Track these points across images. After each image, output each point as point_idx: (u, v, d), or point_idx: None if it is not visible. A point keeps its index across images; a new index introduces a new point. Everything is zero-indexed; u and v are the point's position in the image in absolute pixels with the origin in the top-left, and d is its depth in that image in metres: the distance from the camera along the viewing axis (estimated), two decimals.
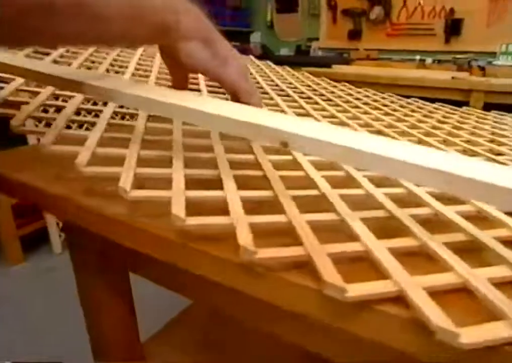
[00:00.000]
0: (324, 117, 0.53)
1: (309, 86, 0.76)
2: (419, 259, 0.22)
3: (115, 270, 0.48)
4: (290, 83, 0.75)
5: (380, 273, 0.20)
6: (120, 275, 0.50)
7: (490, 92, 1.58)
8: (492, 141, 0.50)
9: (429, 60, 2.04)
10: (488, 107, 1.61)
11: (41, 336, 1.12)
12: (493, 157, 0.43)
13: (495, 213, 0.27)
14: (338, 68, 1.97)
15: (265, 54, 2.54)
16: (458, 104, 1.68)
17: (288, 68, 0.97)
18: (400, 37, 2.14)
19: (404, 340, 0.18)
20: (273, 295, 0.21)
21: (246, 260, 0.20)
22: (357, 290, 0.18)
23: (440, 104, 0.78)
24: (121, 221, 0.28)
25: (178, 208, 0.23)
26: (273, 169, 0.32)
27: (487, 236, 0.24)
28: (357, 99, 0.69)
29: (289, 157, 0.35)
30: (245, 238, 0.21)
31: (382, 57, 2.19)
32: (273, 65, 0.96)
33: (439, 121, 0.59)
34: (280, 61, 2.38)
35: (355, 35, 2.25)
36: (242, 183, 0.29)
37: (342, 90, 0.77)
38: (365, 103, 0.66)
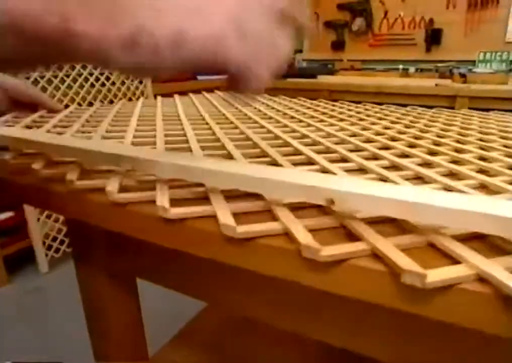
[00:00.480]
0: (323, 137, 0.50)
1: (291, 108, 0.74)
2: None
3: (122, 276, 0.46)
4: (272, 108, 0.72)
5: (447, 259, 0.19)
6: (127, 281, 0.47)
7: (473, 98, 1.62)
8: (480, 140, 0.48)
9: (411, 69, 2.09)
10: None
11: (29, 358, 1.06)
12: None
13: None
14: (323, 79, 2.00)
15: None
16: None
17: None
18: (382, 47, 2.19)
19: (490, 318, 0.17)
20: (341, 286, 0.21)
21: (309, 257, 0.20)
22: (436, 275, 0.17)
23: (412, 107, 0.76)
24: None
25: (226, 218, 0.24)
26: None
27: None
28: (342, 113, 0.67)
29: None
30: (305, 237, 0.21)
31: (366, 67, 2.24)
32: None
33: (426, 125, 0.57)
34: None
35: (338, 46, 2.29)
36: None
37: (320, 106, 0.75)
38: (350, 116, 0.63)
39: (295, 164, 0.36)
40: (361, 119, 0.58)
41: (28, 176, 0.34)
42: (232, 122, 0.55)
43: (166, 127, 0.50)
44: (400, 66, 2.10)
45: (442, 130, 0.52)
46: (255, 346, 0.62)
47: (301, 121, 0.57)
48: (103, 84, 1.51)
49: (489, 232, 0.20)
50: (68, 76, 1.39)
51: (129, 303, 0.47)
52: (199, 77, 2.26)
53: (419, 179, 0.33)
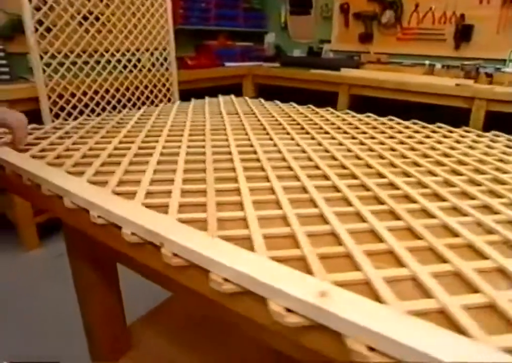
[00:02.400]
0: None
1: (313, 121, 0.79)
2: None
3: (104, 261, 0.56)
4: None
5: None
6: (108, 266, 0.58)
7: (492, 100, 1.59)
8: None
9: (438, 66, 2.05)
10: (490, 115, 1.64)
11: (54, 315, 1.22)
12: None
13: None
14: (346, 72, 2.01)
15: (278, 54, 2.60)
16: (462, 110, 1.72)
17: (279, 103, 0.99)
18: (410, 41, 2.15)
19: None
20: None
21: None
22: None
23: (438, 125, 0.80)
24: None
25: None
26: None
27: None
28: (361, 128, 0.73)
29: None
30: None
31: (392, 61, 2.22)
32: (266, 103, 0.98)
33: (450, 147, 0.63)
34: (291, 61, 2.44)
35: (366, 38, 2.28)
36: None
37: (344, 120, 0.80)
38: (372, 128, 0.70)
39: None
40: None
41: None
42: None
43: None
44: (427, 62, 2.07)
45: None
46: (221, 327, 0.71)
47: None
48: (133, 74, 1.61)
49: None
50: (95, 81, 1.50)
51: (110, 283, 0.57)
52: (227, 64, 2.33)
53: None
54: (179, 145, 0.58)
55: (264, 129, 0.69)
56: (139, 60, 1.64)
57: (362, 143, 0.64)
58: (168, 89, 1.79)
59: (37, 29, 1.29)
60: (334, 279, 0.29)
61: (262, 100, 1.05)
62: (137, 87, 1.65)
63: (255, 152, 0.56)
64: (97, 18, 1.46)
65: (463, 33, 1.98)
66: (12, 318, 1.21)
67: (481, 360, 0.22)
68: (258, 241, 0.34)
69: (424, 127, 0.77)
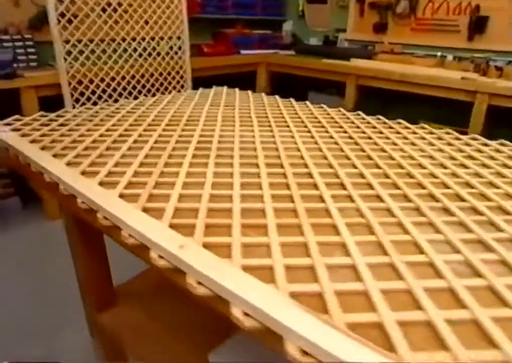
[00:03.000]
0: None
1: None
2: None
3: (92, 232, 0.69)
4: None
5: None
6: (96, 237, 0.71)
7: (495, 95, 1.61)
8: None
9: (449, 57, 2.05)
10: (492, 109, 1.66)
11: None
12: None
13: None
14: (355, 62, 2.05)
15: (295, 43, 2.64)
16: (465, 104, 1.74)
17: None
18: (424, 32, 2.15)
19: None
20: None
21: None
22: None
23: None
24: None
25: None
26: None
27: None
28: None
29: None
30: None
31: (406, 52, 2.22)
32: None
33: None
34: (306, 50, 2.49)
35: (380, 28, 2.29)
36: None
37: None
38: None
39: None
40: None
41: None
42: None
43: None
44: (438, 53, 2.07)
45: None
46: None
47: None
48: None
49: None
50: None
51: (97, 250, 0.70)
52: (242, 52, 2.40)
53: None
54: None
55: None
56: (154, 49, 1.75)
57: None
58: (182, 77, 1.90)
59: (59, 21, 1.42)
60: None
61: (278, 98, 1.08)
62: (152, 74, 1.77)
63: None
64: (115, 10, 1.58)
65: (478, 24, 1.96)
66: (31, 278, 1.38)
67: None
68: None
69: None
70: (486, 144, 0.75)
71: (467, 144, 0.75)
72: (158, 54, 1.78)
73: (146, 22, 1.70)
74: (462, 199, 0.51)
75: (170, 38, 1.81)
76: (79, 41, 1.50)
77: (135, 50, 1.70)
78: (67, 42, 1.47)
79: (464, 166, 0.63)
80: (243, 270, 0.35)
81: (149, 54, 1.75)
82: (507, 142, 0.76)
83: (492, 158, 0.67)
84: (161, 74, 1.81)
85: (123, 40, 1.65)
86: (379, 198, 0.51)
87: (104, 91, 1.61)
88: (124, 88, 1.69)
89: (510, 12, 1.89)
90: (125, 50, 1.66)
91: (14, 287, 1.31)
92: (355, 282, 0.35)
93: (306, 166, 0.59)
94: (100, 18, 1.54)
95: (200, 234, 0.40)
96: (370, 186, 0.54)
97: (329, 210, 0.47)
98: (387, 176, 0.57)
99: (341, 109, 0.94)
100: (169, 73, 1.85)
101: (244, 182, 0.53)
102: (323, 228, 0.43)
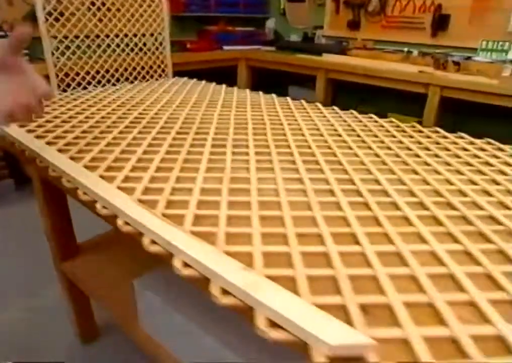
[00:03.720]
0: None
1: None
2: None
3: (56, 193, 0.85)
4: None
5: None
6: (59, 196, 0.87)
7: (446, 87, 1.75)
8: None
9: (415, 53, 2.19)
10: (444, 101, 1.80)
11: None
12: None
13: None
14: (326, 57, 2.20)
15: (276, 39, 2.79)
16: (420, 96, 1.89)
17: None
18: (393, 29, 2.29)
19: None
20: None
21: None
22: None
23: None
24: None
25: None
26: None
27: None
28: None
29: None
30: None
31: (377, 47, 2.37)
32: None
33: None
34: (287, 46, 2.63)
35: (354, 25, 2.43)
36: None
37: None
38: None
39: None
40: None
41: None
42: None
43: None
44: (405, 49, 2.21)
45: None
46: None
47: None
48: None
49: None
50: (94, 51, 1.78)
51: (60, 208, 0.86)
52: (225, 47, 2.55)
53: None
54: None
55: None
56: (136, 44, 1.91)
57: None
58: (163, 70, 2.05)
59: (47, 19, 1.58)
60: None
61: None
62: (134, 68, 1.93)
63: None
64: (99, 8, 1.74)
65: (440, 22, 2.10)
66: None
67: None
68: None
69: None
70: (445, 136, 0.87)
71: (428, 137, 0.81)
72: (141, 49, 1.93)
73: (129, 20, 1.86)
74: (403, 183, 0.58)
75: (152, 35, 1.96)
76: (66, 37, 1.66)
77: (118, 45, 1.85)
78: (55, 37, 1.63)
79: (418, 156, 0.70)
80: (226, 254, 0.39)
81: (132, 50, 1.91)
82: (464, 134, 0.82)
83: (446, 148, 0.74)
84: (143, 68, 1.97)
85: (107, 36, 1.80)
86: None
87: (89, 83, 1.77)
88: (108, 81, 1.85)
89: (469, 11, 2.03)
90: (108, 45, 1.82)
91: (4, 254, 1.49)
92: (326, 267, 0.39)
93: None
94: (85, 17, 1.70)
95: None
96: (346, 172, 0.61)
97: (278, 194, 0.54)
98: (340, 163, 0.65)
99: (318, 104, 1.01)
100: (151, 67, 2.01)
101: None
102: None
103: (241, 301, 0.34)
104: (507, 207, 0.52)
